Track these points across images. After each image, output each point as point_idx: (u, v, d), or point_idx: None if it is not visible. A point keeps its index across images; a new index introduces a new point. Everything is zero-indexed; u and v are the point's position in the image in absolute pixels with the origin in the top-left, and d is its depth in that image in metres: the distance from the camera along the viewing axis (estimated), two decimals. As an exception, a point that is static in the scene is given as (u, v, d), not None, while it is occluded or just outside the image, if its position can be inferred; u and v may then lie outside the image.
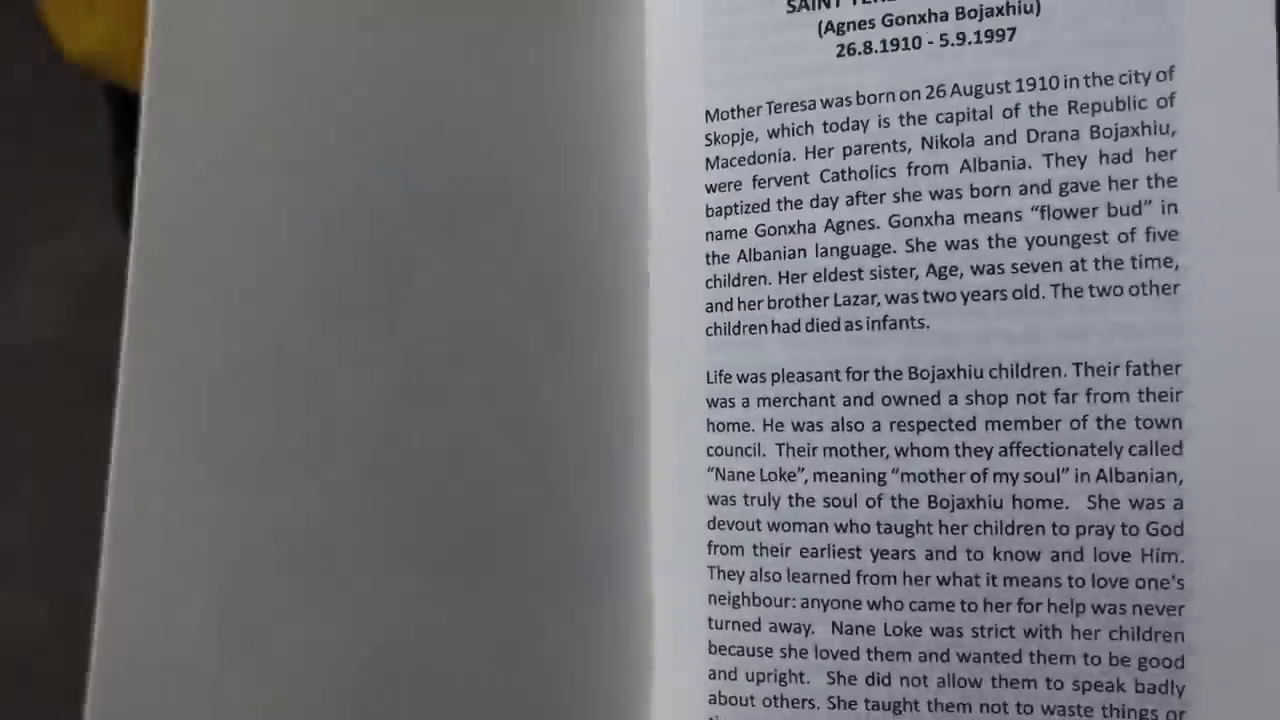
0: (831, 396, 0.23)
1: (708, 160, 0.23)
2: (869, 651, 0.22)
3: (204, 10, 0.16)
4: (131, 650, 0.15)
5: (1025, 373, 0.22)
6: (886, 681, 0.22)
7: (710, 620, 0.23)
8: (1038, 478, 0.22)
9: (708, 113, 0.24)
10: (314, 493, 0.17)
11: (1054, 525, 0.22)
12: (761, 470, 0.23)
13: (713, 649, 0.23)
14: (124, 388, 0.14)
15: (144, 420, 0.15)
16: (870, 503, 0.22)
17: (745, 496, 0.23)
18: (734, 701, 0.23)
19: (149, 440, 0.15)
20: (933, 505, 0.22)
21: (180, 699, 0.16)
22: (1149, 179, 0.21)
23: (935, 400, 0.22)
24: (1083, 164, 0.21)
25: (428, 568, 0.19)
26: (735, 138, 0.23)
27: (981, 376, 0.22)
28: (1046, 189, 0.22)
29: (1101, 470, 0.21)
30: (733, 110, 0.23)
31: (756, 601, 0.23)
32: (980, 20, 0.22)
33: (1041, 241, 0.22)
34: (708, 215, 0.23)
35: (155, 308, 0.15)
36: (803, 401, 0.23)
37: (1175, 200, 0.21)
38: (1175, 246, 0.21)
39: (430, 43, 0.19)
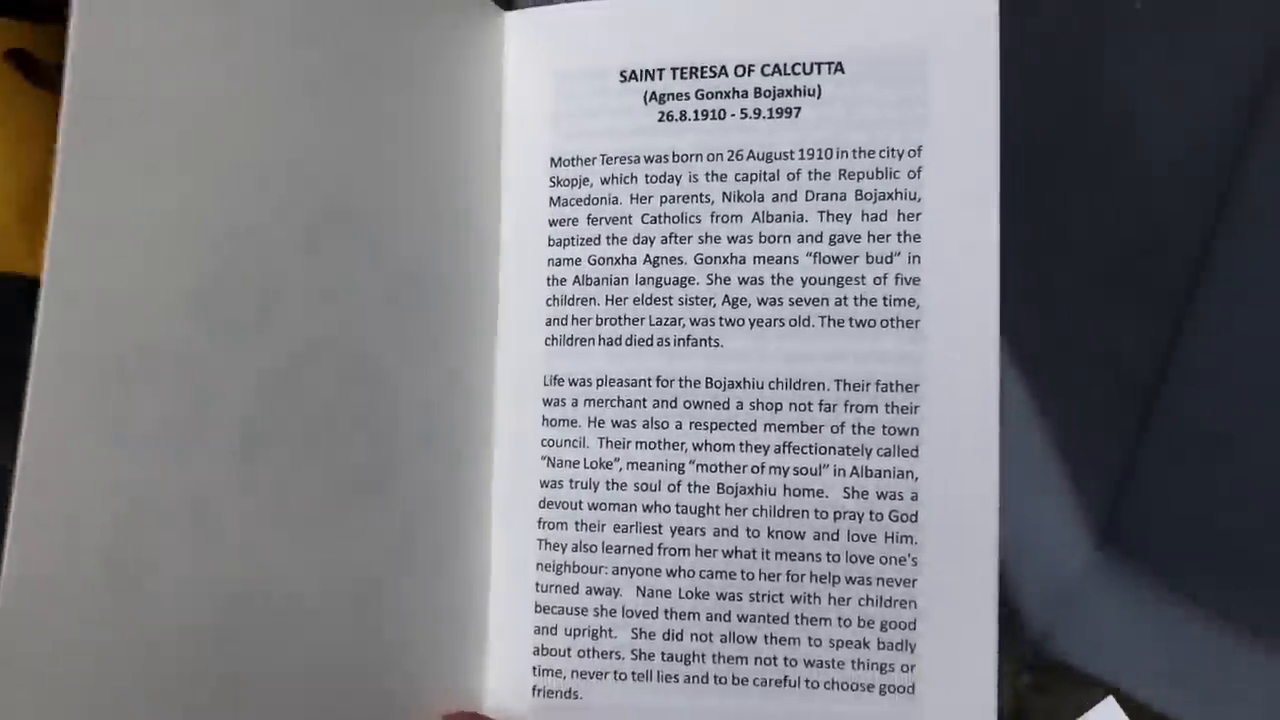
0: (644, 400, 0.27)
1: (551, 199, 0.28)
2: (666, 611, 0.27)
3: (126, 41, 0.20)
4: (34, 586, 0.19)
5: (797, 386, 0.27)
6: (680, 637, 0.27)
7: (537, 585, 0.28)
8: (804, 471, 0.27)
9: (552, 159, 0.28)
10: (195, 460, 0.21)
11: (816, 511, 0.27)
12: (585, 459, 0.28)
13: (538, 609, 0.28)
14: (37, 368, 0.18)
15: (55, 396, 0.19)
16: (671, 488, 0.27)
17: (571, 481, 0.28)
18: (554, 653, 0.27)
19: (57, 412, 0.19)
20: (721, 491, 0.27)
21: (71, 630, 0.19)
22: (899, 235, 0.26)
23: (726, 406, 0.27)
24: (848, 220, 0.27)
25: (290, 525, 0.23)
26: (574, 182, 0.28)
27: (762, 388, 0.27)
28: (819, 239, 0.27)
29: (854, 467, 0.26)
30: (573, 159, 0.28)
31: (576, 569, 0.28)
32: (773, 99, 0.27)
33: (813, 281, 0.27)
34: (549, 245, 0.28)
35: (70, 305, 0.19)
36: (621, 403, 0.27)
37: (919, 253, 0.26)
38: (918, 290, 0.26)
39: (316, 91, 0.23)
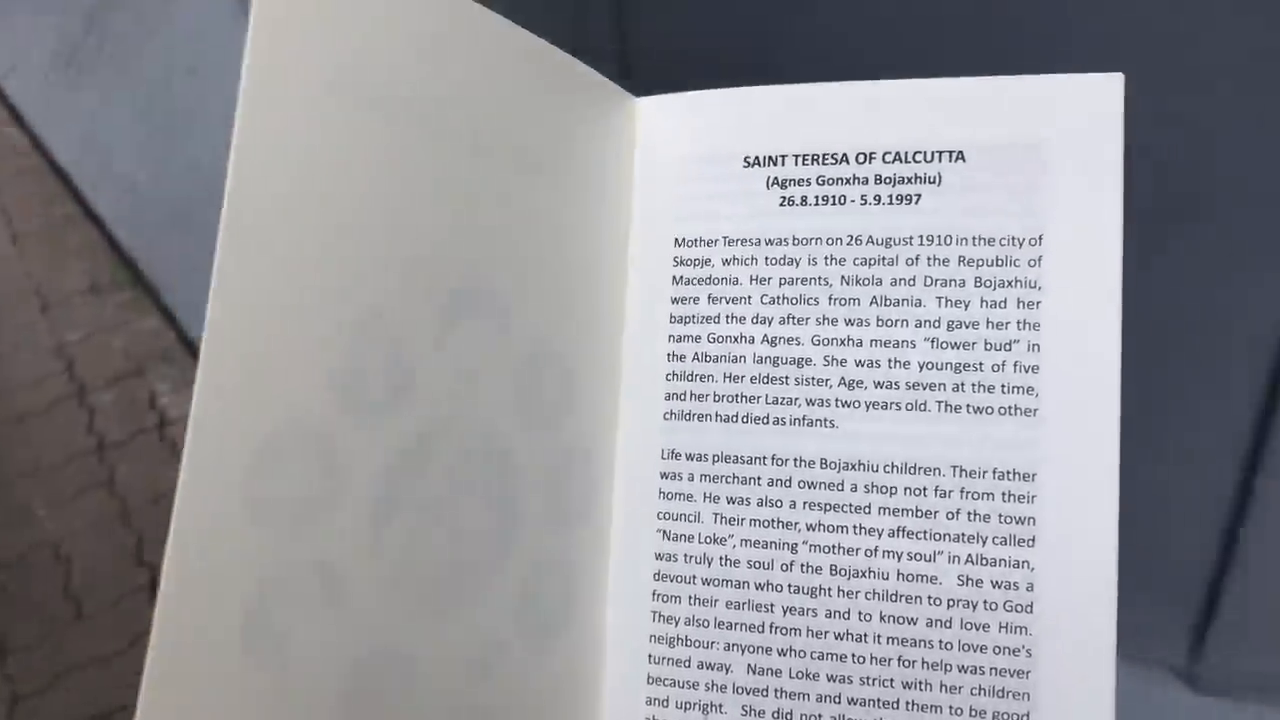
0: (759, 478, 0.28)
1: (674, 278, 0.29)
2: (776, 691, 0.27)
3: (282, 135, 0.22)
4: (177, 655, 0.20)
5: (912, 470, 0.27)
6: (789, 717, 0.27)
7: (650, 656, 0.28)
8: (918, 557, 0.27)
9: (677, 240, 0.29)
10: (328, 533, 0.23)
11: (929, 597, 0.27)
12: (699, 534, 0.28)
13: (650, 680, 0.28)
14: (191, 446, 0.20)
15: (205, 472, 0.20)
16: (784, 567, 0.27)
17: (685, 555, 0.28)
18: (664, 724, 0.28)
19: (207, 488, 0.20)
20: (834, 573, 0.27)
21: (212, 697, 0.21)
22: (1018, 323, 0.26)
23: (840, 487, 0.27)
24: (966, 307, 0.27)
25: (416, 593, 0.24)
26: (697, 262, 0.29)
27: (877, 470, 0.27)
28: (937, 324, 0.27)
29: (969, 555, 0.26)
30: (696, 240, 0.29)
31: (689, 643, 0.28)
32: (893, 186, 0.28)
33: (930, 366, 0.27)
34: (671, 323, 0.29)
35: (223, 385, 0.20)
36: (736, 480, 0.28)
37: (1038, 341, 0.26)
38: (1037, 378, 0.26)
39: (453, 182, 0.25)
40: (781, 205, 0.28)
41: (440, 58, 0.24)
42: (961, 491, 0.26)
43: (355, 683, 0.23)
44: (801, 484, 0.27)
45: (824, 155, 0.28)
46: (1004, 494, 0.26)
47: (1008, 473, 0.26)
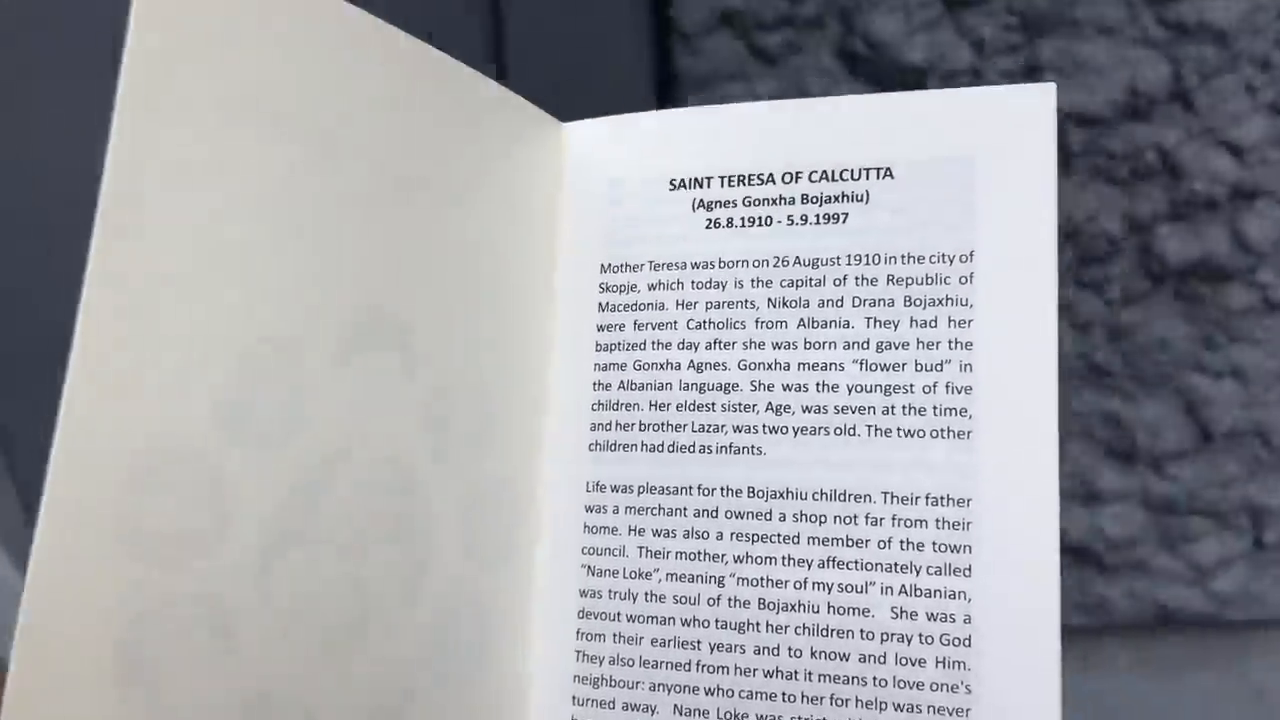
0: (685, 508, 0.27)
1: (599, 305, 0.28)
2: (704, 733, 0.26)
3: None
4: (41, 684, 0.19)
5: (842, 498, 0.26)
6: (719, 761, 0.26)
7: (574, 698, 0.27)
8: (849, 588, 0.25)
9: (602, 265, 0.28)
10: (213, 567, 0.21)
11: (862, 631, 0.25)
12: (625, 569, 0.27)
13: (575, 723, 0.27)
14: (55, 465, 0.19)
15: (70, 494, 0.19)
16: (711, 601, 0.26)
17: (610, 591, 0.27)
18: (588, 771, 0.26)
19: (72, 510, 0.19)
20: (762, 607, 0.26)
21: None
22: (950, 342, 0.25)
23: (768, 517, 0.26)
24: (896, 327, 0.26)
25: (313, 634, 0.23)
26: (623, 288, 0.28)
27: (806, 499, 0.26)
28: (866, 346, 0.26)
29: (903, 585, 0.25)
30: (622, 265, 0.28)
31: (614, 683, 0.27)
32: (820, 205, 0.27)
33: (860, 389, 0.26)
34: (596, 350, 0.28)
35: (91, 406, 0.19)
36: (662, 511, 0.27)
37: (971, 361, 0.25)
38: (969, 399, 0.25)
39: (356, 204, 0.24)
40: (708, 228, 0.28)
41: (349, 77, 0.24)
42: (894, 519, 0.25)
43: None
44: (728, 514, 0.26)
45: (750, 176, 0.27)
46: (938, 521, 0.25)
47: (941, 498, 0.25)
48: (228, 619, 0.22)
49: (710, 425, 0.27)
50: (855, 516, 0.25)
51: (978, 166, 0.26)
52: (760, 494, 0.26)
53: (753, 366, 0.27)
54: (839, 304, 0.26)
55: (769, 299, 0.27)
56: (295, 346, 0.23)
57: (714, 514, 0.26)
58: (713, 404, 0.27)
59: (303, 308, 0.23)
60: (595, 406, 0.28)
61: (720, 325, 0.27)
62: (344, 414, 0.23)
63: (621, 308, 0.28)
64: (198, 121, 0.21)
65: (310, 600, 0.23)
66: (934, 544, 0.25)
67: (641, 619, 0.27)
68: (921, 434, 0.25)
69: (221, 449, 0.21)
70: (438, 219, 0.26)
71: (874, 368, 0.26)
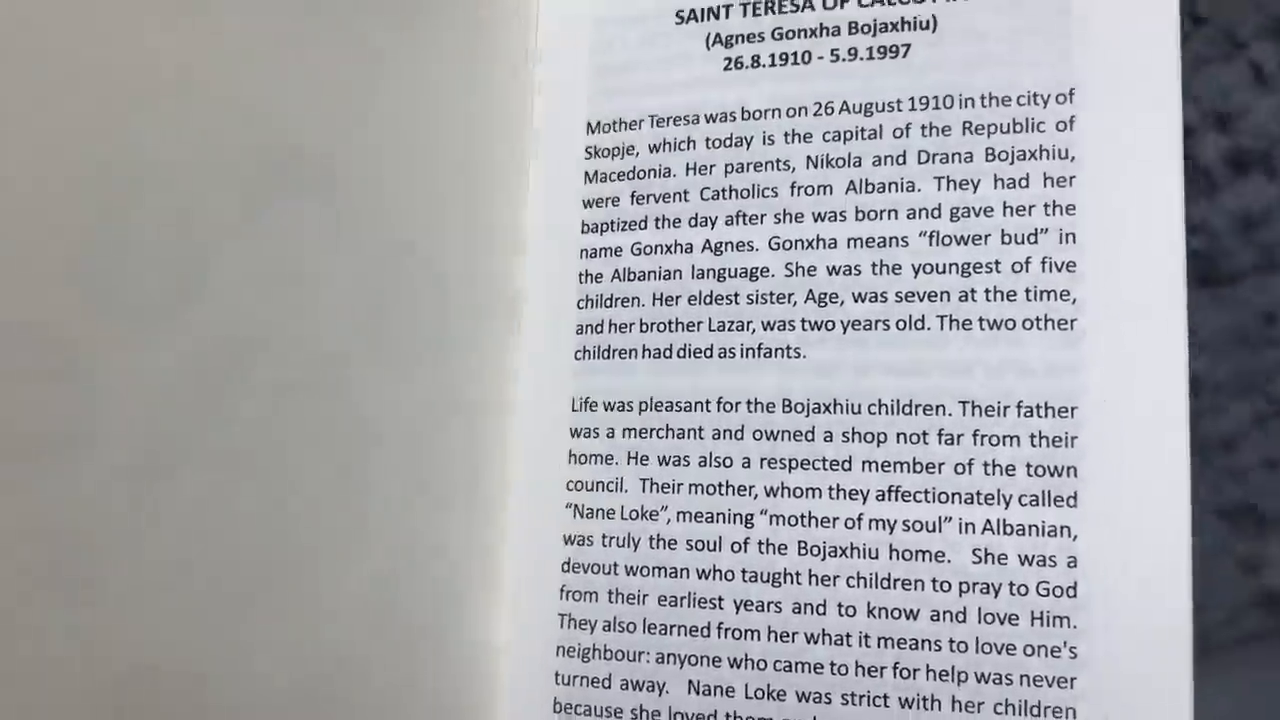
0: (700, 429, 0.21)
1: (586, 174, 0.22)
2: (728, 716, 0.20)
3: None
4: None
5: (907, 410, 0.20)
6: (747, 753, 0.20)
7: (557, 675, 0.21)
8: (918, 527, 0.19)
9: (589, 125, 0.22)
10: (73, 490, 0.15)
11: (935, 581, 0.19)
12: (622, 508, 0.21)
13: (558, 708, 0.21)
14: None
15: None
16: (735, 547, 0.20)
17: (603, 537, 0.21)
18: (577, 768, 0.20)
19: None
20: (802, 552, 0.20)
21: None
22: (1046, 206, 0.20)
23: (809, 436, 0.20)
24: (975, 188, 0.20)
25: (212, 585, 0.17)
26: (617, 151, 0.22)
27: (859, 412, 0.20)
28: (936, 214, 0.20)
29: (988, 521, 0.19)
30: (614, 123, 0.22)
31: (608, 655, 0.21)
32: (873, 36, 0.21)
33: (929, 269, 0.20)
34: (583, 231, 0.22)
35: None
36: (670, 433, 0.21)
37: (1074, 229, 0.19)
38: (1073, 279, 0.19)
39: (290, 19, 0.18)
40: (727, 69, 0.21)
41: None
42: (975, 435, 0.19)
43: (116, 709, 0.16)
44: (758, 434, 0.20)
45: (781, 1, 0.21)
46: (1034, 436, 0.19)
47: (1038, 407, 0.19)
48: (97, 562, 0.15)
49: (733, 322, 0.21)
50: (925, 433, 0.20)
51: (1081, -21, 0.20)
52: (799, 408, 0.20)
53: (788, 245, 0.21)
54: (901, 160, 0.20)
55: (808, 157, 0.21)
56: (183, 188, 0.16)
57: (739, 435, 0.20)
58: (735, 295, 0.21)
59: (192, 137, 0.16)
60: (582, 303, 0.22)
61: (745, 194, 0.21)
62: (255, 285, 0.17)
63: (615, 176, 0.22)
64: None
65: (209, 543, 0.17)
66: (1029, 467, 0.19)
67: (645, 571, 0.21)
68: (1011, 325, 0.19)
69: (83, 324, 0.15)
70: (378, 42, 0.19)
71: (948, 241, 0.20)
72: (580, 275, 0.22)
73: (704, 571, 0.20)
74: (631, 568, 0.21)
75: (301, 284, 0.18)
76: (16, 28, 0.14)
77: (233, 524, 0.17)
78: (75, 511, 0.15)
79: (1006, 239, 0.20)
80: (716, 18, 0.22)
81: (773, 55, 0.21)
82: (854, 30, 0.21)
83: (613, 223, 0.22)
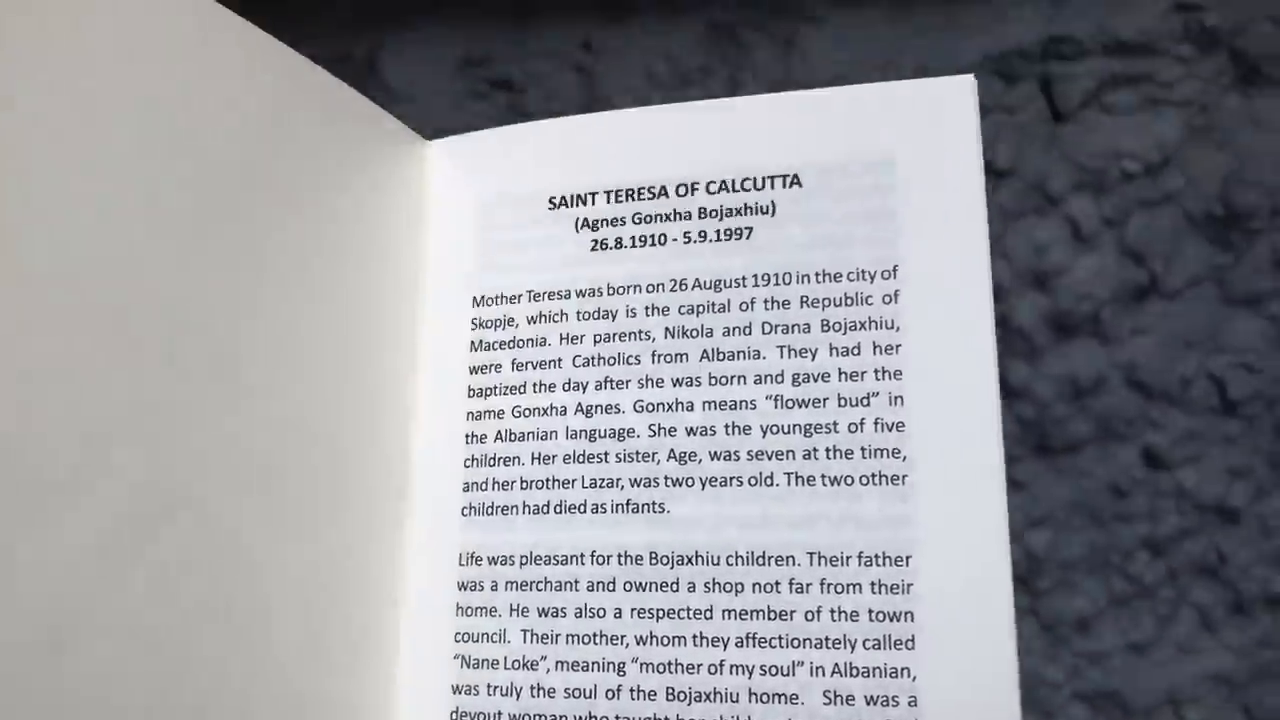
0: (576, 581, 0.22)
1: (472, 344, 0.24)
2: None
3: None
4: None
5: (760, 560, 0.21)
6: None
7: (447, 821, 0.22)
8: (773, 670, 0.21)
9: (474, 299, 0.24)
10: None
11: (790, 722, 0.21)
12: (506, 658, 0.22)
13: None
14: None
15: None
16: (610, 694, 0.22)
17: (489, 686, 0.22)
18: None
19: None
20: (670, 698, 0.21)
21: None
22: (876, 371, 0.22)
23: (675, 587, 0.22)
24: (814, 356, 0.22)
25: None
26: (498, 323, 0.24)
27: (718, 564, 0.22)
28: (780, 379, 0.22)
29: (836, 664, 0.21)
30: (497, 297, 0.24)
31: (494, 802, 0.22)
32: (720, 220, 0.23)
33: (775, 430, 0.22)
34: (469, 396, 0.24)
35: None
36: (549, 586, 0.22)
37: (901, 393, 0.22)
38: (902, 438, 0.21)
39: (191, 207, 0.20)
40: (594, 250, 0.24)
41: (178, 59, 0.20)
42: (822, 584, 0.21)
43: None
44: (628, 585, 0.22)
45: (640, 190, 0.24)
46: (874, 584, 0.21)
47: (876, 557, 0.21)
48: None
49: (603, 480, 0.22)
50: (777, 583, 0.21)
51: (896, 168, 0.22)
52: (664, 560, 0.22)
53: (650, 408, 0.23)
54: (747, 331, 0.22)
55: (666, 328, 0.23)
56: (84, 372, 0.18)
57: (611, 586, 0.22)
58: (605, 454, 0.23)
59: (91, 325, 0.18)
60: (468, 462, 0.23)
61: (611, 361, 0.23)
62: (155, 463, 0.19)
63: (497, 345, 0.24)
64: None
65: (104, 712, 0.18)
66: (870, 612, 0.21)
67: (527, 719, 0.22)
68: (849, 481, 0.21)
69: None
70: (273, 226, 0.21)
71: (791, 404, 0.22)
72: (466, 436, 0.24)
73: (580, 718, 0.22)
74: (515, 716, 0.22)
75: (200, 458, 0.20)
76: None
77: (130, 694, 0.19)
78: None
79: (843, 402, 0.22)
80: (584, 203, 0.24)
81: (634, 237, 0.24)
82: (703, 215, 0.23)
83: (495, 388, 0.24)
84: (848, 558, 0.21)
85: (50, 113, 0.18)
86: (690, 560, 0.22)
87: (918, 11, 0.37)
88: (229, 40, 0.21)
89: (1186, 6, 0.37)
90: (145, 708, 0.19)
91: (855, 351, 0.22)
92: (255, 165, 0.21)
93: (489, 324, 0.24)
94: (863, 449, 0.21)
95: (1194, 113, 0.36)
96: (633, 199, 0.24)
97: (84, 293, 0.18)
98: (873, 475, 0.21)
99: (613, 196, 0.24)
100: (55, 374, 0.18)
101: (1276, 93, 0.36)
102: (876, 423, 0.21)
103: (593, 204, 0.24)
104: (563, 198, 0.24)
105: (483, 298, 0.24)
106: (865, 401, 0.22)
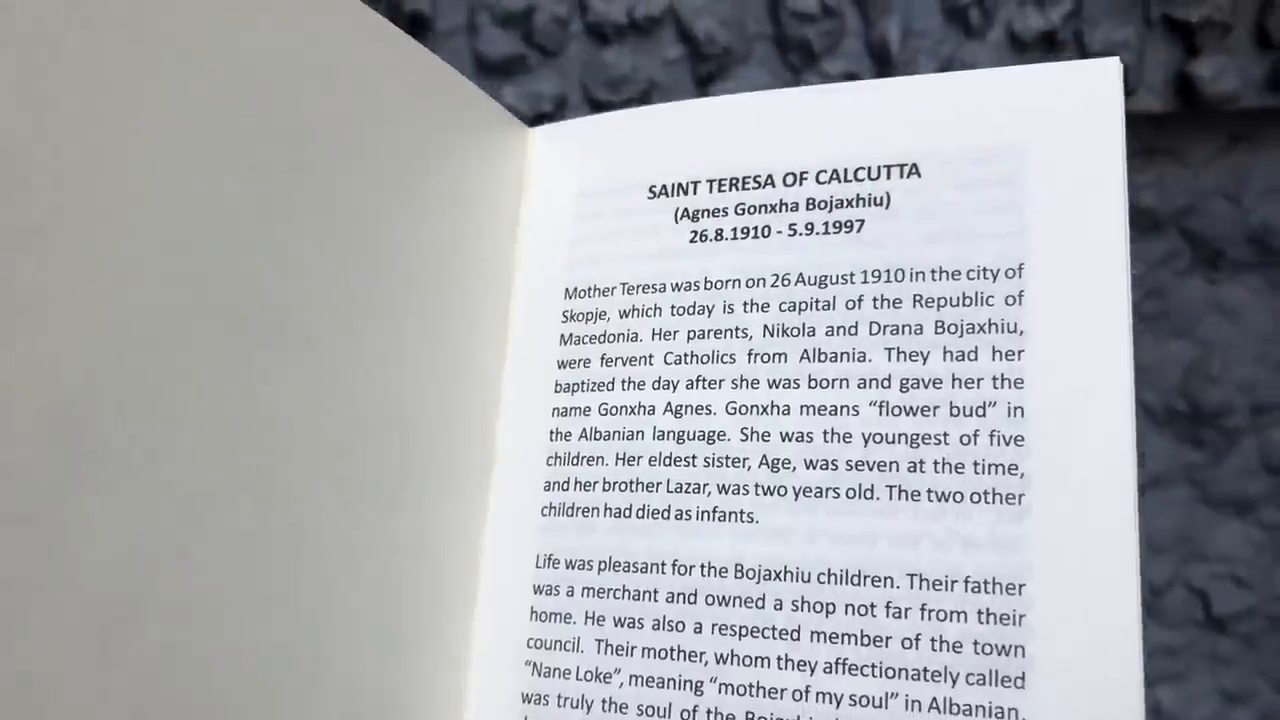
0: (655, 591, 0.21)
1: (562, 337, 0.23)
2: None
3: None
4: None
5: (855, 580, 0.20)
6: None
7: (509, 837, 0.21)
8: (864, 701, 0.19)
9: (566, 290, 0.23)
10: (39, 636, 0.16)
11: (881, 760, 0.19)
12: (578, 669, 0.21)
13: None
14: None
15: None
16: (685, 715, 0.20)
17: (559, 697, 0.21)
18: None
19: None
20: (750, 723, 0.20)
21: None
22: (994, 379, 0.20)
23: (760, 603, 0.20)
24: (925, 360, 0.20)
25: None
26: (589, 316, 0.23)
27: (809, 581, 0.20)
28: (886, 384, 0.20)
29: (935, 699, 0.19)
30: (589, 289, 0.23)
31: (558, 821, 0.21)
32: (829, 211, 0.22)
33: (879, 439, 0.20)
34: (556, 391, 0.23)
35: None
36: (627, 595, 0.21)
37: (1022, 403, 0.19)
38: (1020, 453, 0.19)
39: (285, 180, 0.19)
40: (692, 242, 0.22)
41: (286, 35, 0.19)
42: (922, 609, 0.19)
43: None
44: (710, 599, 0.20)
45: (744, 179, 0.22)
46: (981, 613, 0.19)
47: (984, 583, 0.19)
48: (55, 709, 0.16)
49: (690, 485, 0.21)
50: (873, 606, 0.19)
51: (1028, 158, 0.20)
52: (750, 573, 0.20)
53: (744, 410, 0.21)
54: (852, 331, 0.21)
55: (765, 326, 0.21)
56: (161, 340, 0.18)
57: (692, 599, 0.20)
58: (693, 458, 0.21)
59: (173, 289, 0.18)
60: (551, 460, 0.22)
61: (705, 359, 0.22)
62: (225, 439, 0.18)
63: (587, 340, 0.23)
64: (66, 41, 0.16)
65: (165, 689, 0.17)
66: (976, 644, 0.19)
67: (596, 735, 0.21)
68: (959, 497, 0.19)
69: (49, 474, 0.16)
70: (366, 206, 0.21)
71: (897, 412, 0.20)
72: (550, 433, 0.23)
73: (653, 738, 0.20)
74: (584, 731, 0.21)
75: (274, 438, 0.19)
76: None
77: (192, 674, 0.18)
78: (39, 657, 0.16)
79: (955, 411, 0.20)
80: (685, 193, 0.23)
81: (736, 229, 0.22)
82: (811, 206, 0.22)
83: (583, 384, 0.23)
84: (952, 582, 0.19)
85: (155, 86, 0.18)
86: (778, 575, 0.20)
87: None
88: (342, 22, 0.21)
89: None
90: (203, 691, 0.18)
91: (972, 356, 0.20)
92: (357, 145, 0.21)
93: (580, 317, 0.23)
94: (975, 463, 0.19)
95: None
96: (737, 188, 0.22)
97: (165, 265, 0.18)
98: (985, 493, 0.19)
99: (716, 185, 0.23)
100: (129, 342, 0.17)
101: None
102: (992, 435, 0.19)
103: (694, 193, 0.23)
104: (664, 186, 0.23)
105: (575, 290, 0.23)
106: (980, 411, 0.20)
